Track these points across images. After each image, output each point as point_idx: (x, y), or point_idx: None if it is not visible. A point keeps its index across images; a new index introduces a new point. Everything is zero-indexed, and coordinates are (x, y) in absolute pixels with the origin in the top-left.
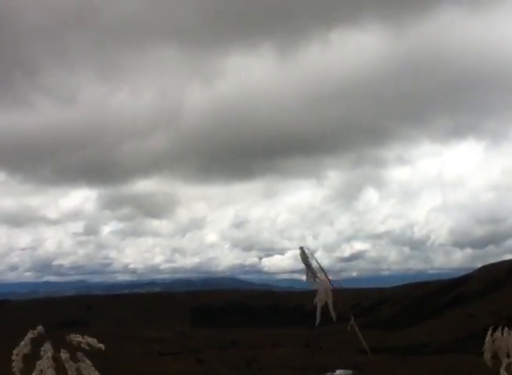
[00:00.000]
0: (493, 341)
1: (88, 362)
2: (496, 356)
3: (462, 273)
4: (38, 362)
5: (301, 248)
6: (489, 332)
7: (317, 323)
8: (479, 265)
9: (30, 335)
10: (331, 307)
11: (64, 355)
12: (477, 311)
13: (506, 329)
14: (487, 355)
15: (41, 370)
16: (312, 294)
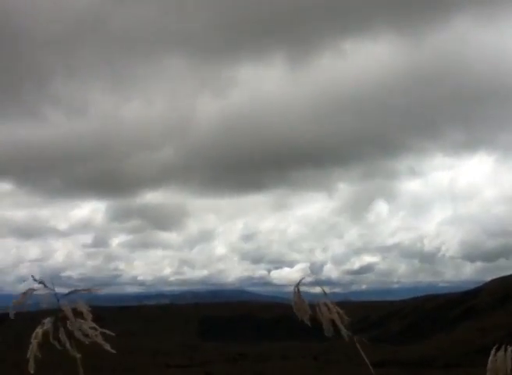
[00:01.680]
0: (496, 361)
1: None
2: None
3: (472, 286)
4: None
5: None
6: (493, 351)
7: (329, 334)
8: (489, 278)
9: (43, 324)
10: (340, 325)
11: (65, 307)
12: (487, 324)
13: (509, 348)
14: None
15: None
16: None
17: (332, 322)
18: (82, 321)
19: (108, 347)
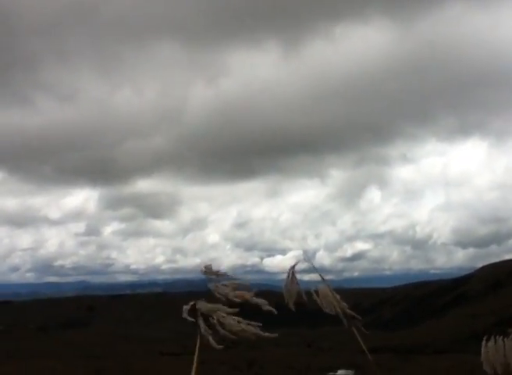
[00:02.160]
0: (488, 352)
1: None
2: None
3: (464, 273)
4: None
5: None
6: (484, 343)
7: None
8: (481, 264)
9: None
10: (340, 313)
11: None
12: (478, 311)
13: (500, 337)
14: (486, 367)
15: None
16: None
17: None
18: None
19: (267, 334)
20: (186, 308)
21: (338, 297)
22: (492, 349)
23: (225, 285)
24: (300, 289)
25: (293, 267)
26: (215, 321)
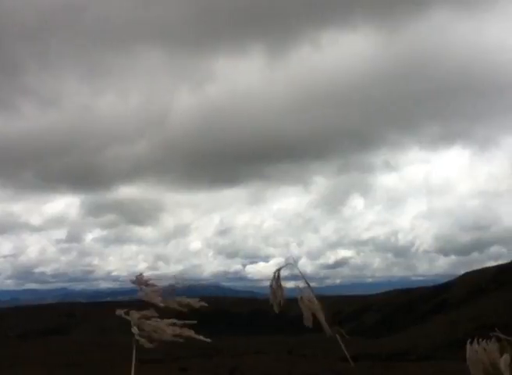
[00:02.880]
0: (476, 353)
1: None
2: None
3: (445, 280)
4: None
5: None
6: (468, 345)
7: (308, 324)
8: (463, 272)
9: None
10: (322, 319)
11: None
12: (459, 318)
13: (483, 341)
14: (473, 370)
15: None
16: (295, 301)
17: (313, 315)
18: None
19: (201, 337)
20: (119, 312)
21: (319, 305)
22: (478, 351)
23: (153, 291)
24: (285, 293)
25: (279, 270)
26: (148, 327)
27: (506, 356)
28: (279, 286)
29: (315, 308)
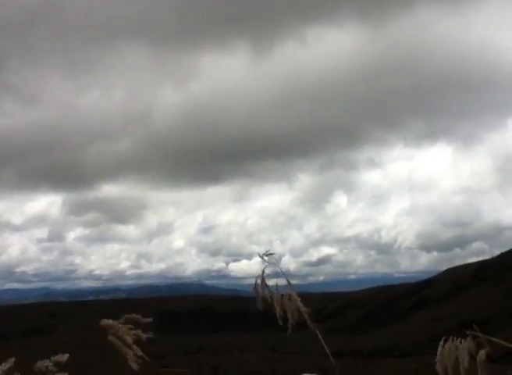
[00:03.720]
0: (445, 352)
1: None
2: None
3: (427, 277)
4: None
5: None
6: (441, 343)
7: (287, 328)
8: (445, 268)
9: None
10: (290, 315)
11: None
12: (441, 314)
13: (458, 339)
14: (438, 367)
15: None
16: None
17: (298, 312)
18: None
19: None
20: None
21: (300, 304)
22: (447, 350)
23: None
24: (270, 292)
25: (263, 271)
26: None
27: (481, 352)
28: (265, 286)
29: (295, 306)
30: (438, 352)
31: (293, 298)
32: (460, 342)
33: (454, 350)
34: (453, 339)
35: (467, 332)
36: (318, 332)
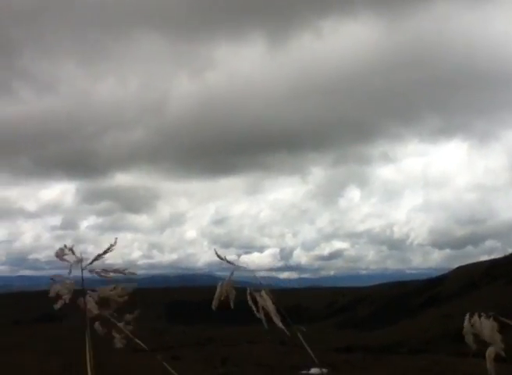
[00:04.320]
0: (472, 326)
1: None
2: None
3: (439, 274)
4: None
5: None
6: (466, 317)
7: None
8: (457, 265)
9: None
10: (270, 309)
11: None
12: (452, 311)
13: (482, 315)
14: (469, 337)
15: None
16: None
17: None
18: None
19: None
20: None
21: (270, 300)
22: (477, 323)
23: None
24: (233, 292)
25: (233, 271)
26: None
27: (490, 349)
28: (230, 285)
29: (266, 303)
30: (465, 324)
31: (264, 295)
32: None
33: (484, 323)
34: (479, 315)
35: (490, 313)
36: (297, 331)
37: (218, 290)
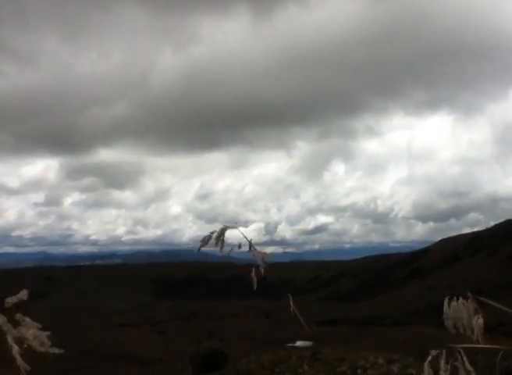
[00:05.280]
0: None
1: (28, 320)
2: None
3: (422, 246)
4: None
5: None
6: (446, 302)
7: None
8: (440, 238)
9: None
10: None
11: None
12: (435, 283)
13: (460, 299)
14: (449, 322)
15: None
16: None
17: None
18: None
19: (55, 350)
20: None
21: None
22: (455, 308)
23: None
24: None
25: (222, 231)
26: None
27: (479, 318)
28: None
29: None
30: (444, 309)
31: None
32: (463, 303)
33: (461, 308)
34: (457, 299)
35: (469, 294)
36: (294, 308)
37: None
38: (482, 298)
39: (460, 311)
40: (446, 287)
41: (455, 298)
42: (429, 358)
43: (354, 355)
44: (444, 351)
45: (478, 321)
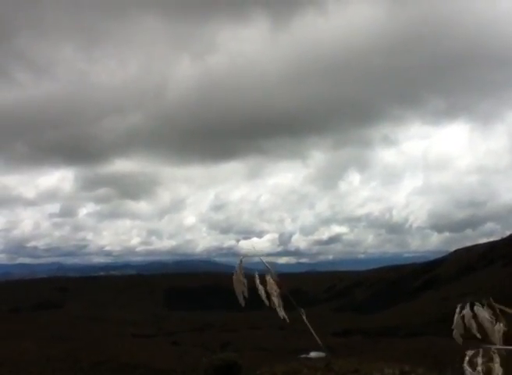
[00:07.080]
0: (462, 319)
1: None
2: (465, 334)
3: (437, 257)
4: None
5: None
6: (457, 310)
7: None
8: (455, 248)
9: None
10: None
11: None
12: (450, 294)
13: (475, 306)
14: (457, 332)
15: None
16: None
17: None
18: None
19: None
20: None
21: (274, 285)
22: (465, 316)
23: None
24: (245, 283)
25: (242, 258)
26: None
27: (498, 326)
28: (242, 277)
29: (269, 287)
30: (455, 319)
31: (269, 280)
32: (476, 310)
33: (473, 316)
34: (471, 307)
35: (483, 301)
36: (305, 318)
37: (237, 286)
38: (499, 306)
39: (482, 317)
40: (461, 298)
41: (468, 305)
42: (467, 358)
43: (368, 366)
44: (481, 350)
45: (499, 326)
